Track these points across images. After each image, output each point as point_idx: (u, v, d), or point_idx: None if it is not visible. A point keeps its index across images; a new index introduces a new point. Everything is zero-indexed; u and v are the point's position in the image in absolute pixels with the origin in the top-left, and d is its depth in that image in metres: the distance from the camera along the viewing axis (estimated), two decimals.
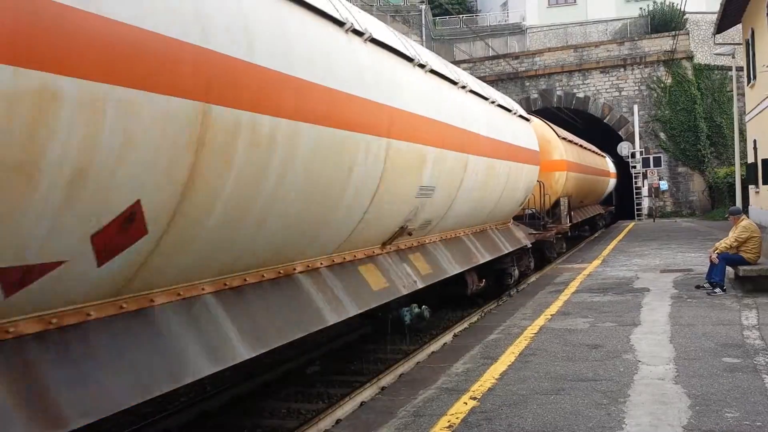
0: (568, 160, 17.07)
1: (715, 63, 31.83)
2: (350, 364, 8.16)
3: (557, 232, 15.32)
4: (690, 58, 31.97)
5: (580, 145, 20.91)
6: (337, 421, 5.72)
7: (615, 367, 5.90)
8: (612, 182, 30.55)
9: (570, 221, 17.06)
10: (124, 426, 5.92)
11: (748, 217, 12.00)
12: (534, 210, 14.37)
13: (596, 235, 24.71)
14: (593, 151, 24.32)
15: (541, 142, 13.57)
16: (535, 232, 13.65)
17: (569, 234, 18.20)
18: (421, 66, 7.05)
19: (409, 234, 7.18)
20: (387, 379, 7.02)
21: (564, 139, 17.64)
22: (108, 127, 2.93)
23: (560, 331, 7.55)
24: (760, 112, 20.78)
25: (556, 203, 16.10)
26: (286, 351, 8.55)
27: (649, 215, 30.30)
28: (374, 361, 8.35)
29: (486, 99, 9.59)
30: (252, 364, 4.98)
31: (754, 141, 22.48)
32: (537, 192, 13.89)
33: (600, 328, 7.61)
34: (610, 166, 29.84)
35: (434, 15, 42.65)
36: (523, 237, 12.43)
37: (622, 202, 34.23)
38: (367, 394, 6.57)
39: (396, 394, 5.56)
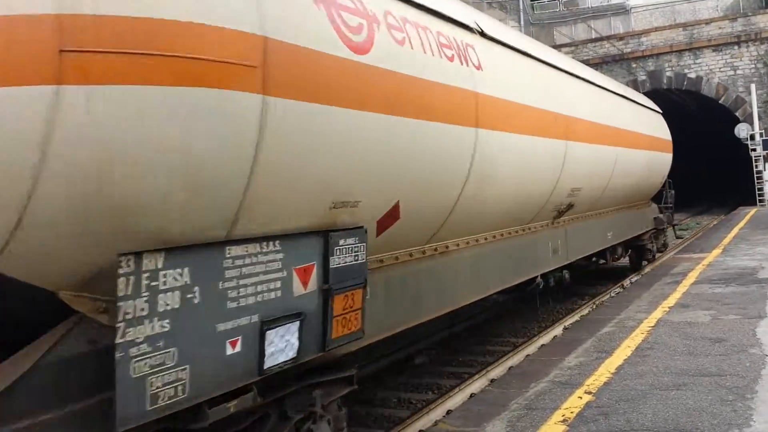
0: None
1: None
2: (457, 356, 8.17)
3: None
4: None
5: None
6: (448, 412, 5.75)
7: (740, 362, 5.58)
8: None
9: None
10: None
11: None
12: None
13: (714, 223, 23.40)
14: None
15: None
16: (661, 215, 14.37)
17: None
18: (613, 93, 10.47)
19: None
20: (496, 371, 6.98)
21: None
22: None
23: (679, 324, 7.22)
24: None
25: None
26: (395, 341, 8.69)
27: None
28: (481, 353, 8.32)
29: (644, 106, 12.64)
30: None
31: None
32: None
33: (723, 320, 7.21)
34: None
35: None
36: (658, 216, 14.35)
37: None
38: (476, 385, 6.57)
39: (507, 387, 5.53)
